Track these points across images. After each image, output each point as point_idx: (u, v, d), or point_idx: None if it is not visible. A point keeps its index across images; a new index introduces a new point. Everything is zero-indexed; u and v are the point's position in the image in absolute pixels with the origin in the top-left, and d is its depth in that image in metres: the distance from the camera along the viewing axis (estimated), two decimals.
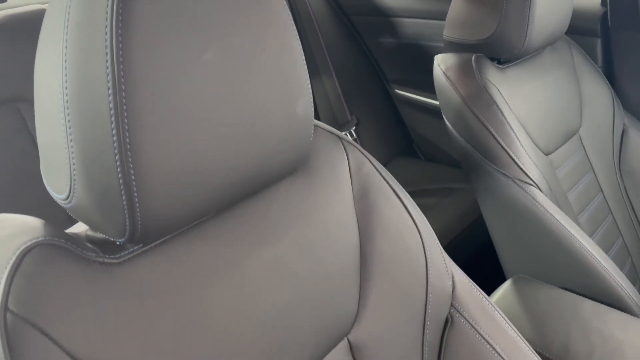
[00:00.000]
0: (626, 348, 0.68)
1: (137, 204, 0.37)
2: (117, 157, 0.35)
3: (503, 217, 0.89)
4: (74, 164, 0.37)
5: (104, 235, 0.42)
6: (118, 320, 0.40)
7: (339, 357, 0.54)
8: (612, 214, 1.09)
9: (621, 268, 1.05)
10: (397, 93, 1.65)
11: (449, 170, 1.56)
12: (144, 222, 0.38)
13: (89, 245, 0.42)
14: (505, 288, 0.83)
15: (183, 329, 0.43)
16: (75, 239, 0.42)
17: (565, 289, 0.83)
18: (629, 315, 0.75)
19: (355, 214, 0.58)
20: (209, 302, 0.45)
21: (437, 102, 1.13)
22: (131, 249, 0.42)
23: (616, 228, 1.09)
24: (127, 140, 0.35)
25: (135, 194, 0.36)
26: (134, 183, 0.36)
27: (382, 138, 1.69)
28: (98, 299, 0.39)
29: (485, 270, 0.99)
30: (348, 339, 0.56)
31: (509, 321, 0.63)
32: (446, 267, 0.63)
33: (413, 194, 0.65)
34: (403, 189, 0.63)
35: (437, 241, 0.64)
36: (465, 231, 1.32)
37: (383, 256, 0.58)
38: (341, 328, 0.54)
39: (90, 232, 0.44)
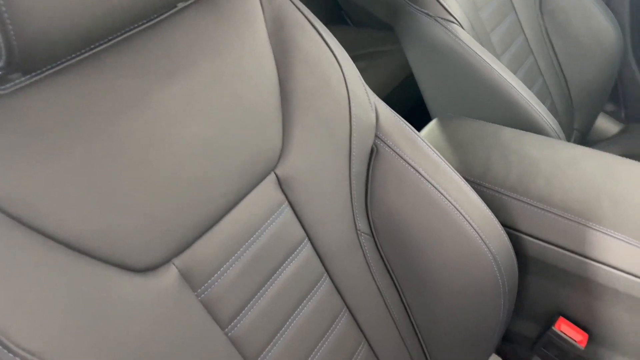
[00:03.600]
0: (542, 164, 0.73)
1: (6, 15, 0.33)
2: None
3: (427, 58, 0.89)
4: None
5: None
6: (17, 156, 0.38)
7: (267, 190, 0.55)
8: (533, 54, 1.12)
9: None
10: None
11: (378, 34, 1.53)
12: (20, 39, 0.34)
13: None
14: (430, 126, 0.86)
15: (93, 163, 0.41)
16: None
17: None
18: (545, 137, 0.79)
19: (271, 47, 0.56)
20: (117, 135, 0.43)
21: None
22: (18, 80, 0.39)
23: (537, 68, 1.12)
24: None
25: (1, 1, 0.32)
26: None
27: (308, 6, 1.62)
28: None
29: (416, 123, 1.01)
30: (275, 173, 0.56)
31: (432, 147, 0.66)
32: (369, 99, 0.63)
33: None
34: (319, 21, 0.61)
35: (358, 73, 0.64)
36: (396, 90, 1.32)
37: (304, 89, 0.57)
38: (267, 162, 0.54)
39: None
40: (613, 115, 1.37)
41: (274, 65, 0.56)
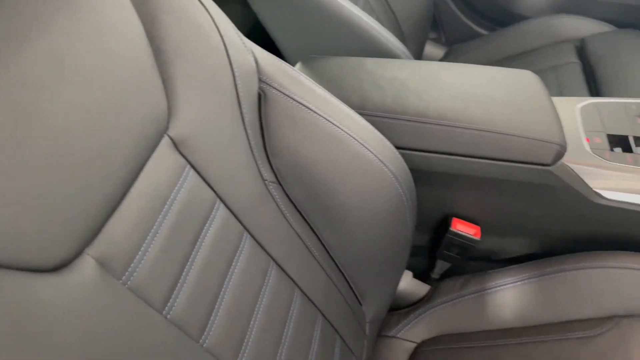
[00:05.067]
0: (409, 83, 0.77)
1: None
2: None
3: (277, 4, 0.87)
4: None
5: None
6: None
7: (165, 156, 0.49)
8: None
9: None
10: None
11: None
12: None
13: None
14: (297, 68, 0.85)
15: None
16: None
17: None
18: (401, 60, 0.84)
19: None
20: None
21: None
22: None
23: (369, 6, 1.18)
24: None
25: None
26: None
27: None
28: None
29: None
30: (169, 136, 0.50)
31: (314, 82, 0.65)
32: (243, 43, 0.60)
33: None
34: None
35: (227, 17, 0.60)
36: None
37: (175, 39, 0.52)
38: (156, 125, 0.48)
39: None
40: (436, 41, 1.51)
41: (136, 16, 0.49)
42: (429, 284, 0.84)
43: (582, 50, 1.21)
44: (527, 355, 0.69)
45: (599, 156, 0.72)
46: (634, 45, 1.12)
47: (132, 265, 0.42)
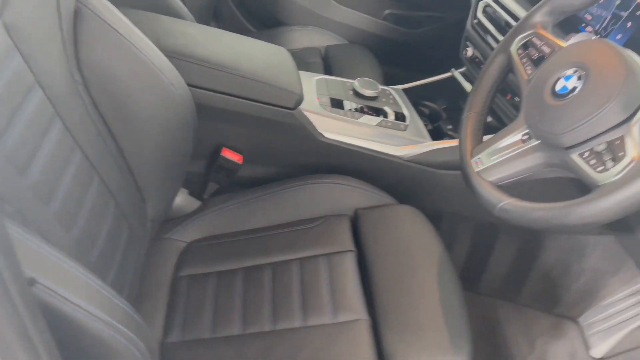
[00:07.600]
0: (198, 37, 0.98)
1: None
2: None
3: None
4: None
5: None
6: None
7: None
8: None
9: None
10: None
11: None
12: None
13: None
14: None
15: None
16: None
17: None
18: (192, 22, 1.05)
19: None
20: None
21: None
22: None
23: None
24: None
25: None
26: None
27: None
28: None
29: None
30: (3, 21, 0.62)
31: (124, 18, 0.81)
32: None
33: None
34: None
35: None
36: None
37: None
38: None
39: None
40: None
41: None
42: (200, 200, 1.05)
43: (325, 54, 1.60)
44: (268, 243, 0.96)
45: (324, 109, 1.05)
46: (356, 54, 1.56)
47: None
